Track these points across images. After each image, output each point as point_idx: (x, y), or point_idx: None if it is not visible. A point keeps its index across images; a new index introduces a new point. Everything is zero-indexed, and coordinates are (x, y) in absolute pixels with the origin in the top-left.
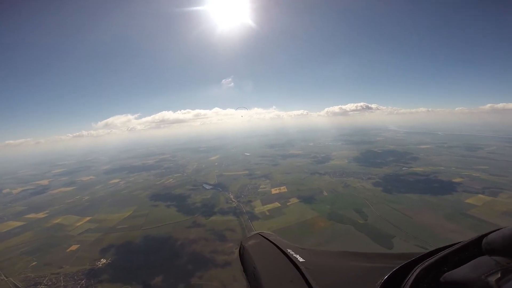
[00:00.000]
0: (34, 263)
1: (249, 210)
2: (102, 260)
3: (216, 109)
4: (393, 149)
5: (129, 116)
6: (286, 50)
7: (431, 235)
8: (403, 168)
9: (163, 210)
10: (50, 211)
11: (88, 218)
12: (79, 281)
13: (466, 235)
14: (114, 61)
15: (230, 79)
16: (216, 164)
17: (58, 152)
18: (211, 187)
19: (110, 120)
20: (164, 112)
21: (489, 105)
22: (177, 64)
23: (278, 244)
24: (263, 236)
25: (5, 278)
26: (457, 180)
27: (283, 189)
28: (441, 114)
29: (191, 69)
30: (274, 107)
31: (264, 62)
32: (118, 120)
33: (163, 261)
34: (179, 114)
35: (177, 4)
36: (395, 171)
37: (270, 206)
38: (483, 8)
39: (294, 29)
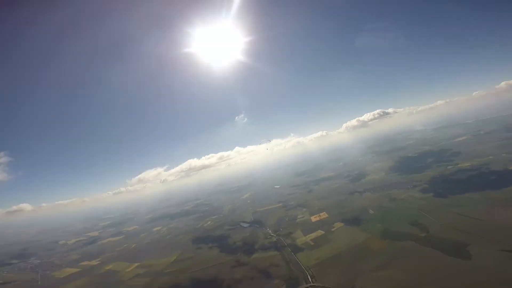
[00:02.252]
0: None
1: (291, 242)
2: None
3: (237, 149)
4: (428, 149)
5: (159, 169)
6: (288, 73)
7: None
8: (448, 167)
9: (207, 252)
10: (102, 258)
11: (137, 264)
12: None
13: None
14: (133, 117)
15: (242, 115)
16: (248, 201)
17: (102, 208)
18: (248, 224)
19: (142, 175)
20: (189, 160)
21: (503, 82)
22: (189, 110)
23: None
24: None
25: None
26: None
27: (324, 215)
28: (461, 102)
29: (203, 112)
30: (292, 134)
31: (270, 91)
32: (149, 174)
33: None
34: (204, 160)
35: (172, 47)
36: (441, 172)
37: (313, 235)
38: None
39: (293, 50)
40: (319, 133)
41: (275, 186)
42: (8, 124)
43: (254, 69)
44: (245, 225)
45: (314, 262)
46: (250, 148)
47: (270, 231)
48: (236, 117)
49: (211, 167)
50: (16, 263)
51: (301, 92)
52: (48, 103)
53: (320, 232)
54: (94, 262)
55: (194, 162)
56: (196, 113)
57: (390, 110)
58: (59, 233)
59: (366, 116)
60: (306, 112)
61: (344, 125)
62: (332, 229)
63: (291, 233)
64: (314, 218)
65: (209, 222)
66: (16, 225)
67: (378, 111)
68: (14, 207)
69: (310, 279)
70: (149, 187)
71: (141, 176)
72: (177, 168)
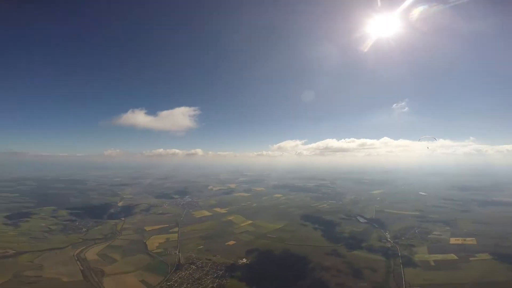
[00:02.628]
0: (200, 247)
1: (407, 254)
2: (243, 259)
3: (385, 139)
4: None
5: (298, 142)
6: (483, 51)
7: None
8: None
9: (310, 231)
10: (229, 208)
11: (250, 222)
12: (219, 271)
13: None
14: (286, 89)
15: (403, 103)
16: (378, 199)
17: (246, 165)
18: (365, 221)
19: (282, 144)
20: (328, 140)
21: None
22: (341, 89)
23: None
24: None
25: (177, 252)
26: None
27: (470, 240)
28: None
29: (356, 93)
30: (471, 138)
31: (450, 74)
32: (288, 144)
33: (289, 277)
34: (343, 143)
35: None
36: None
37: (440, 256)
38: None
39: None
40: None
41: (420, 192)
42: (199, 84)
43: (428, 47)
44: (362, 220)
45: (420, 282)
46: (402, 142)
47: (388, 236)
48: (394, 105)
49: (348, 151)
50: (176, 198)
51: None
52: (234, 69)
53: (451, 256)
54: (223, 211)
55: (332, 142)
56: (349, 93)
57: None
58: (211, 179)
59: None
60: (503, 113)
61: None
62: (471, 258)
63: (413, 246)
64: (454, 240)
65: (325, 205)
66: (189, 165)
67: None
68: (192, 151)
69: None
70: (285, 156)
71: (281, 144)
72: (314, 145)
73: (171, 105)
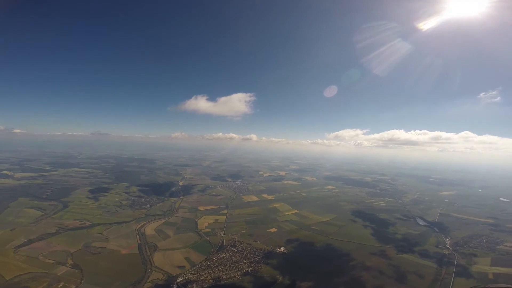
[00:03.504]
0: (244, 231)
1: (464, 264)
2: (282, 248)
3: (466, 133)
4: None
5: (358, 131)
6: None
7: None
8: None
9: (358, 228)
10: (276, 196)
11: (295, 211)
12: (256, 257)
13: None
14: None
15: (495, 92)
16: (446, 201)
17: (298, 153)
18: (425, 223)
19: (340, 132)
20: (394, 130)
21: None
22: (414, 71)
23: None
24: None
25: (222, 234)
26: None
27: None
28: None
29: (433, 77)
30: None
31: None
32: (347, 133)
33: (325, 272)
34: (412, 135)
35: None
36: None
37: (503, 270)
38: None
39: None
40: None
41: (501, 198)
42: (255, 71)
43: None
44: (422, 222)
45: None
46: (488, 138)
47: (447, 242)
48: (482, 93)
49: (418, 145)
50: (229, 181)
51: None
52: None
53: None
54: (270, 197)
55: (398, 133)
56: (423, 77)
57: None
58: (262, 164)
59: None
60: None
61: None
62: None
63: (474, 255)
64: None
65: (381, 202)
66: (244, 149)
67: None
68: (247, 136)
69: None
70: (342, 145)
71: (339, 133)
72: (377, 135)
73: (229, 91)
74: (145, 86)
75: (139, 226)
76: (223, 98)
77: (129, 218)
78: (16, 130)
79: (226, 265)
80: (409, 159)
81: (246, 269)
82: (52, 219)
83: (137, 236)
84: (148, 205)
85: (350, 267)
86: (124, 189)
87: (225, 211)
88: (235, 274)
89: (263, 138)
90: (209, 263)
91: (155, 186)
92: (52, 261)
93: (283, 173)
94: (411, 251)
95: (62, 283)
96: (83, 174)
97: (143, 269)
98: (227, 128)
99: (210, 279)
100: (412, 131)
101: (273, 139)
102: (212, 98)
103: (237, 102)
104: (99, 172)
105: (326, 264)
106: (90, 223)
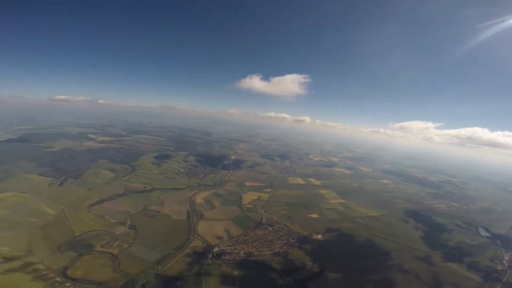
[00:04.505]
0: (284, 212)
1: None
2: (319, 235)
3: None
4: None
5: (429, 124)
6: None
7: None
8: None
9: (408, 229)
10: (324, 182)
11: (342, 201)
12: (290, 239)
13: None
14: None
15: None
16: None
17: (356, 140)
18: (488, 235)
19: (407, 123)
20: (476, 128)
21: None
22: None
23: None
24: None
25: (262, 212)
26: None
27: None
28: None
29: None
30: None
31: None
32: (415, 125)
33: (357, 267)
34: (499, 136)
35: None
36: None
37: None
38: None
39: None
40: None
41: None
42: (311, 53)
43: None
44: (484, 233)
45: None
46: None
47: (506, 257)
48: None
49: (505, 148)
50: (277, 160)
51: None
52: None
53: None
54: (317, 182)
55: (481, 132)
56: None
57: None
58: (314, 148)
59: None
60: None
61: None
62: None
63: None
64: None
65: (443, 205)
66: (296, 131)
67: None
68: (300, 117)
69: None
70: (408, 138)
71: (405, 123)
72: (453, 131)
73: (283, 72)
74: (206, 65)
75: (191, 194)
76: (277, 78)
77: (184, 185)
78: (100, 101)
79: (260, 242)
80: (489, 163)
81: (278, 250)
82: (122, 181)
83: (188, 203)
84: (202, 175)
85: (386, 266)
86: (183, 158)
87: (269, 190)
88: (266, 253)
89: (317, 121)
90: (245, 238)
91: (210, 158)
92: (115, 221)
93: (335, 159)
94: (459, 261)
95: (118, 242)
96: (150, 141)
97: (187, 235)
98: (280, 108)
99: (242, 253)
100: (499, 132)
101: (328, 123)
102: (266, 77)
103: (290, 83)
104: (164, 140)
105: (361, 259)
106: (151, 187)
